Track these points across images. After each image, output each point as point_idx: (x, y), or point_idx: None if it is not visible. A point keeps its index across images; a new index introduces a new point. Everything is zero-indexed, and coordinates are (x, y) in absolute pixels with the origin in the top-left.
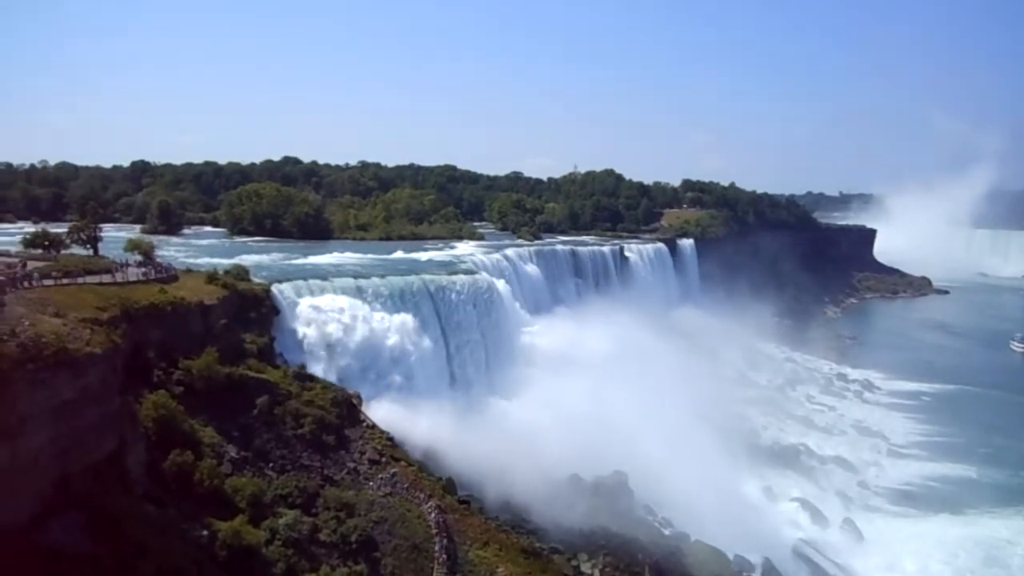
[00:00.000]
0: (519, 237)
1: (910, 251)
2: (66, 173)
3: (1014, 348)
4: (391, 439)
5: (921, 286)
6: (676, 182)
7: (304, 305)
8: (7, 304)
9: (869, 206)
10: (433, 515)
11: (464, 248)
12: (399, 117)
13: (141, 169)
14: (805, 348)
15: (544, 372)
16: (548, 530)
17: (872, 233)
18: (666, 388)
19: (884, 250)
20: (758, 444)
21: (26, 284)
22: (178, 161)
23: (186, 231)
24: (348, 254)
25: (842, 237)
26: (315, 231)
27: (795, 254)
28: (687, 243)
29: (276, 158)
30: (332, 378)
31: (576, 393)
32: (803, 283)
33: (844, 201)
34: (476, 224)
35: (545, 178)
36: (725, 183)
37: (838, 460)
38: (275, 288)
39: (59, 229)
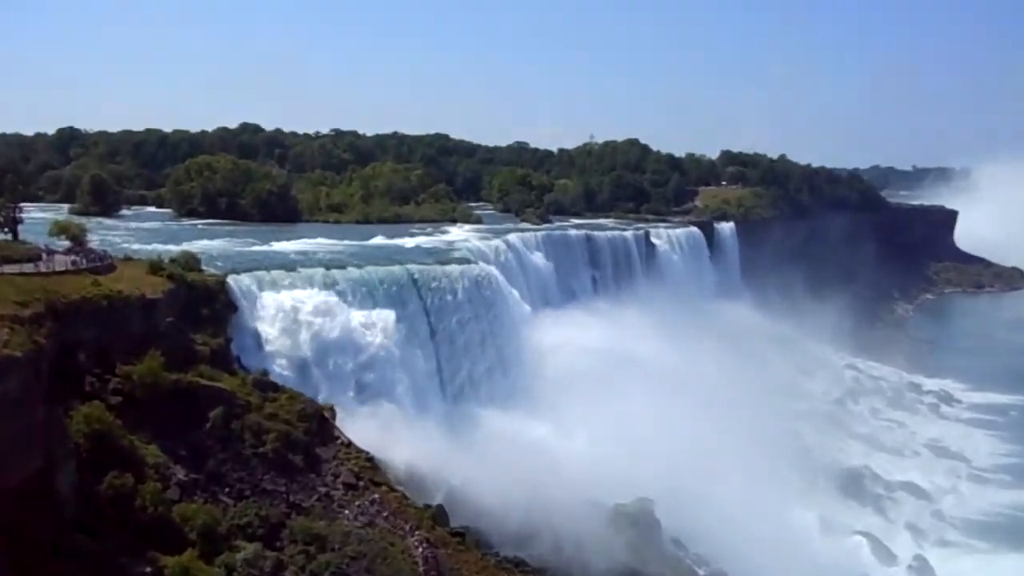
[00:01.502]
0: (524, 220)
1: (1000, 236)
2: None
3: None
4: (370, 459)
5: (1012, 278)
6: (714, 154)
7: (266, 300)
8: None
9: (949, 182)
10: (420, 549)
11: (458, 233)
12: (379, 76)
13: (69, 137)
14: (870, 353)
15: (553, 381)
16: (557, 568)
17: (953, 215)
18: (701, 400)
19: (967, 235)
20: (813, 467)
21: None
22: (114, 128)
23: (124, 212)
24: (319, 240)
25: (916, 219)
26: (279, 212)
27: (858, 240)
28: (727, 227)
29: (232, 125)
30: (300, 387)
31: (591, 406)
32: (868, 275)
33: (918, 176)
34: (472, 205)
35: (555, 149)
36: (773, 155)
37: (908, 486)
38: (231, 280)
39: None
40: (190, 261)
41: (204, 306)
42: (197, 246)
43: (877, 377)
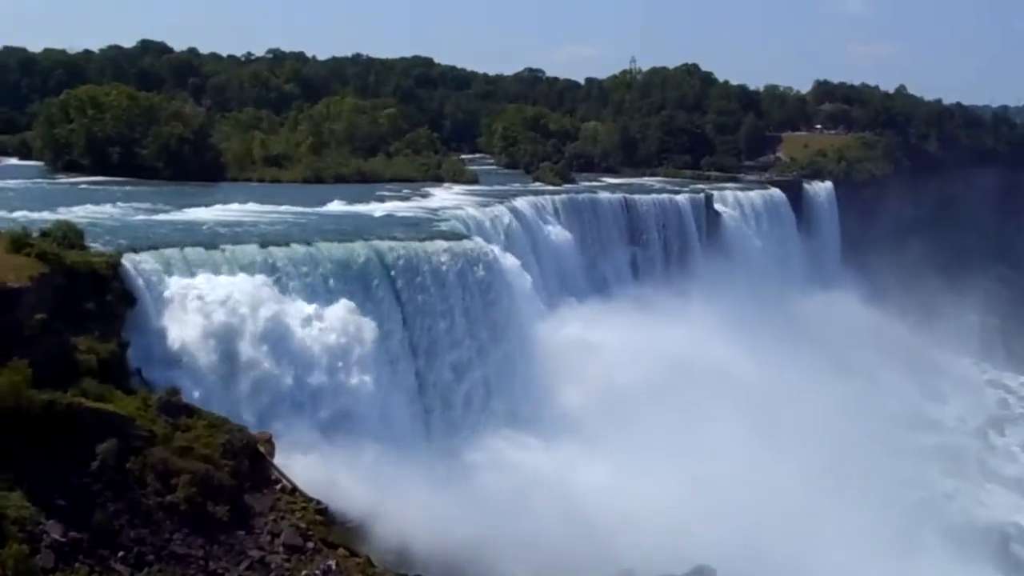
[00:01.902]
0: (537, 179)
1: None
2: None
3: None
4: (323, 511)
5: None
6: (805, 86)
7: (177, 289)
8: None
9: None
10: None
11: (446, 197)
12: None
13: None
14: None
15: (575, 402)
16: None
17: None
18: (789, 431)
19: None
20: (942, 525)
21: None
22: None
23: None
24: (251, 205)
25: None
26: (195, 167)
27: (1009, 207)
28: (822, 188)
29: (128, 43)
30: (225, 411)
31: (627, 436)
32: (1021, 256)
33: None
34: (466, 157)
35: (582, 80)
36: (888, 86)
37: None
38: (128, 262)
39: None
40: (69, 235)
41: (89, 298)
42: (79, 213)
43: None
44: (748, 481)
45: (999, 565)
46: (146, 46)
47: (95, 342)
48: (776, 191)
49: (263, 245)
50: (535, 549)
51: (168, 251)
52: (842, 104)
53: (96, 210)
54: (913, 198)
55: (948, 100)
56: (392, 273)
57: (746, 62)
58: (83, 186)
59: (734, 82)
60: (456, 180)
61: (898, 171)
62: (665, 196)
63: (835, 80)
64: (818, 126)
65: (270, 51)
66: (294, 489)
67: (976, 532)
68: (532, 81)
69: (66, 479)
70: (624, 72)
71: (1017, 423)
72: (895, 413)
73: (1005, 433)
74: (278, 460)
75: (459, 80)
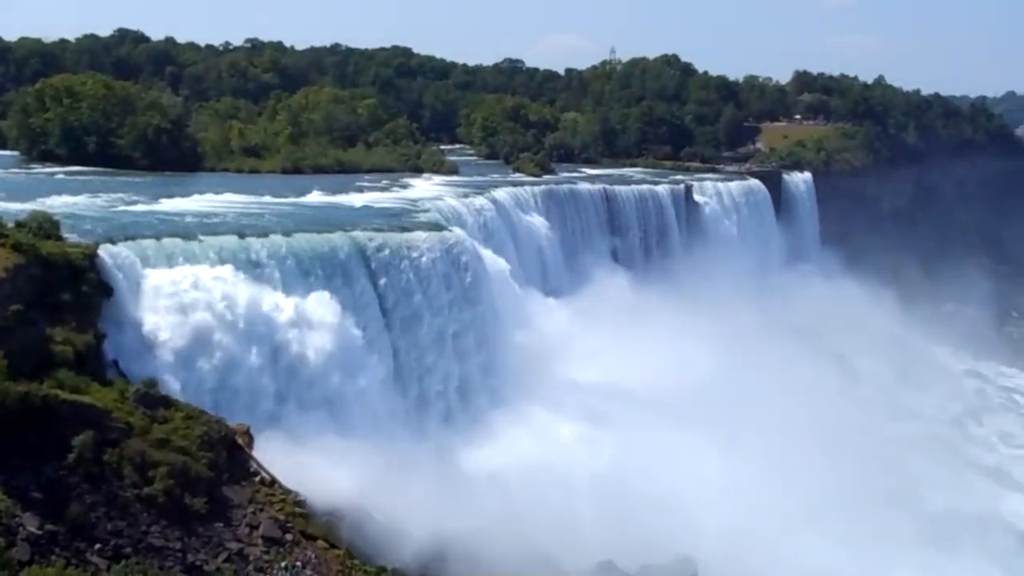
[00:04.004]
0: (517, 170)
1: None
2: None
3: None
4: (301, 503)
5: None
6: (784, 77)
7: (155, 281)
8: None
9: None
10: None
11: (425, 188)
12: None
13: None
14: (1001, 355)
15: (557, 395)
16: None
17: None
18: (763, 419)
19: None
20: (920, 513)
21: None
22: None
23: None
24: (228, 196)
25: None
26: (173, 157)
27: (986, 196)
28: (801, 179)
29: (105, 31)
30: (203, 403)
31: (613, 429)
32: (1000, 245)
33: None
34: (445, 148)
35: (562, 70)
36: (868, 77)
37: None
38: (104, 252)
39: None
40: (45, 226)
41: (65, 289)
42: (55, 204)
43: (1011, 388)
44: (719, 470)
45: (978, 554)
46: (123, 35)
47: (71, 333)
48: (756, 182)
49: (242, 236)
50: (517, 538)
51: (145, 242)
52: (821, 95)
53: (72, 200)
54: (892, 188)
55: (926, 91)
56: (372, 264)
57: (726, 53)
58: (59, 176)
59: (714, 73)
60: (436, 171)
61: (877, 161)
62: (645, 187)
63: (814, 71)
64: (797, 116)
65: (248, 40)
66: (273, 481)
67: (955, 521)
68: (512, 71)
69: (42, 471)
70: (604, 63)
71: (995, 412)
72: (873, 401)
73: (983, 423)
74: (256, 451)
75: (438, 70)
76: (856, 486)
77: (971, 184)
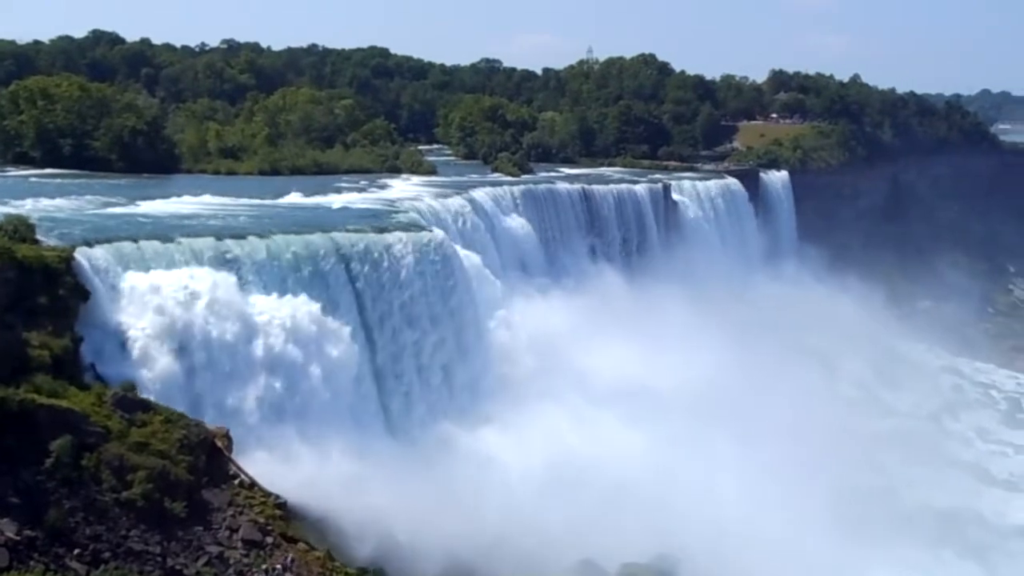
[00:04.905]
0: (496, 170)
1: None
2: None
3: None
4: (282, 505)
5: None
6: (761, 76)
7: (132, 283)
8: None
9: None
10: None
11: (403, 188)
12: None
13: None
14: (977, 351)
15: (537, 393)
16: None
17: None
18: (742, 417)
19: None
20: (898, 509)
21: None
22: None
23: None
24: (207, 198)
25: None
26: (149, 159)
27: (961, 194)
28: (777, 178)
29: (79, 33)
30: (181, 406)
31: (593, 426)
32: (975, 242)
33: None
34: (423, 148)
35: (539, 70)
36: (844, 76)
37: None
38: (81, 255)
39: None
40: (20, 229)
41: (42, 292)
42: (30, 207)
43: (986, 384)
44: (697, 467)
45: (956, 550)
46: (98, 36)
47: (48, 337)
48: (733, 180)
49: (219, 238)
50: (497, 536)
51: (122, 244)
52: (797, 93)
53: (48, 203)
54: (868, 186)
55: (902, 89)
56: (351, 265)
57: (702, 52)
58: (34, 179)
59: (690, 72)
60: (414, 171)
61: (853, 159)
62: (624, 186)
63: (790, 70)
64: (774, 115)
65: (224, 41)
66: (252, 484)
67: (932, 517)
68: (489, 71)
69: (20, 476)
70: (581, 62)
71: (971, 408)
72: (850, 398)
73: (960, 419)
74: (235, 454)
75: (415, 70)
76: (831, 482)
77: (946, 181)
